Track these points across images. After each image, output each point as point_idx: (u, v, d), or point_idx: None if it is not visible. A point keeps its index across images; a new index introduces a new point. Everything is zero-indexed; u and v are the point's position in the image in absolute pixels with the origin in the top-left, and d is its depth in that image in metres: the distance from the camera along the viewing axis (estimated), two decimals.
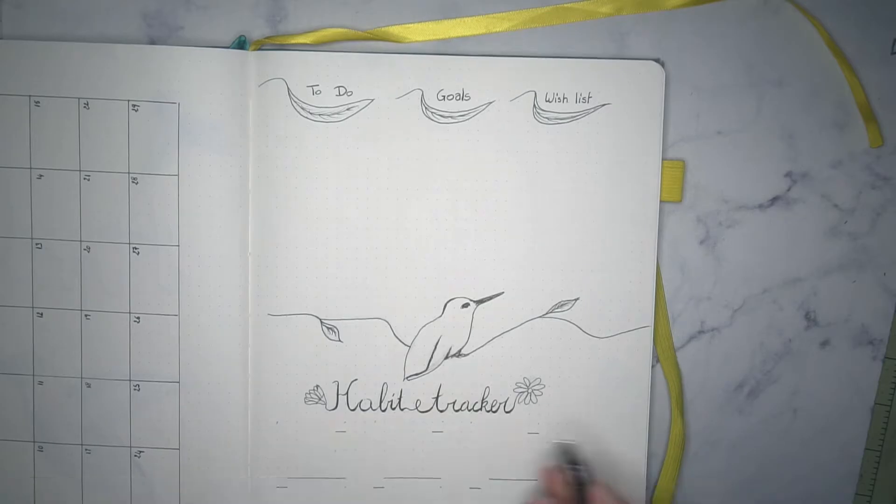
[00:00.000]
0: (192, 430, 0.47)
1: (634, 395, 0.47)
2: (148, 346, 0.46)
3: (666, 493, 0.49)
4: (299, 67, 0.45)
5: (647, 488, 0.48)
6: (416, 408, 0.47)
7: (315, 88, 0.45)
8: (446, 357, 0.47)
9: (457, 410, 0.47)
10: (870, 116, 0.46)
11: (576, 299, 0.46)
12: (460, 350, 0.47)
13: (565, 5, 0.46)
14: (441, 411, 0.47)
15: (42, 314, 0.46)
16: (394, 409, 0.47)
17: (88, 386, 0.47)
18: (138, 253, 0.46)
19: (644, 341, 0.47)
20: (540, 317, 0.47)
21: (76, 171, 0.45)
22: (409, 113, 0.45)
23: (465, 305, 0.46)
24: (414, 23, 0.46)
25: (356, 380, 0.47)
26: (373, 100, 0.45)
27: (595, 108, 0.45)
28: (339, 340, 0.46)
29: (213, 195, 0.45)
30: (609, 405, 0.47)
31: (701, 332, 0.48)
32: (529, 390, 0.47)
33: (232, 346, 0.46)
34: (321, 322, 0.46)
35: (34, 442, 0.47)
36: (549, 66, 0.45)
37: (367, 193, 0.46)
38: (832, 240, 0.48)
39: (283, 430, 0.47)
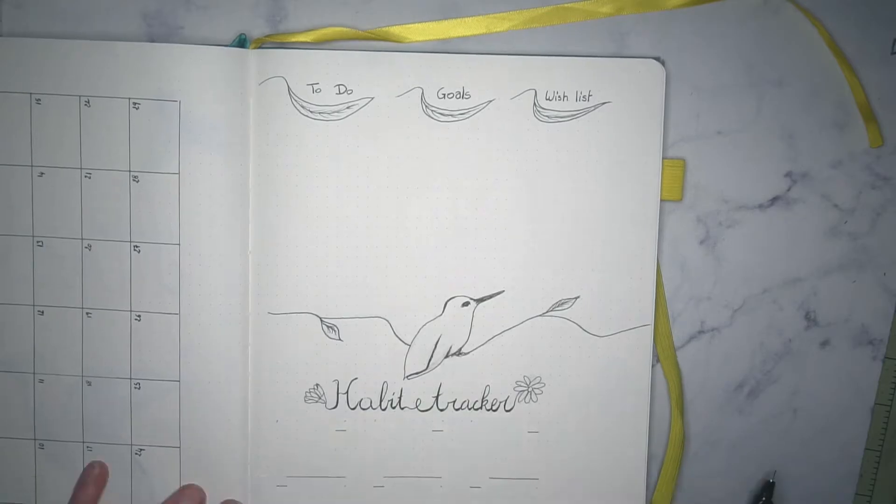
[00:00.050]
0: (193, 429, 0.47)
1: (634, 393, 0.47)
2: (149, 345, 0.46)
3: (666, 493, 0.49)
4: (299, 66, 0.45)
5: (646, 488, 0.48)
6: (417, 407, 0.47)
7: (315, 87, 0.45)
8: (446, 356, 0.47)
9: (457, 409, 0.47)
10: (870, 116, 0.46)
11: (576, 298, 0.46)
12: (460, 349, 0.47)
13: (565, 5, 0.46)
14: (441, 410, 0.47)
15: (43, 312, 0.46)
16: (394, 407, 0.47)
17: (89, 384, 0.47)
18: (139, 251, 0.46)
19: (644, 340, 0.47)
20: (540, 315, 0.47)
21: (77, 169, 0.45)
22: (410, 111, 0.45)
23: (466, 304, 0.46)
24: (414, 23, 0.46)
25: (356, 378, 0.47)
26: (373, 98, 0.45)
27: (595, 107, 0.45)
28: (340, 339, 0.46)
29: (213, 193, 0.45)
30: (609, 404, 0.47)
31: (701, 332, 0.48)
32: (530, 389, 0.47)
33: (232, 345, 0.46)
34: (321, 321, 0.46)
35: (35, 440, 0.47)
36: (549, 65, 0.45)
37: (368, 192, 0.46)
38: (832, 240, 0.48)
39: (283, 428, 0.47)
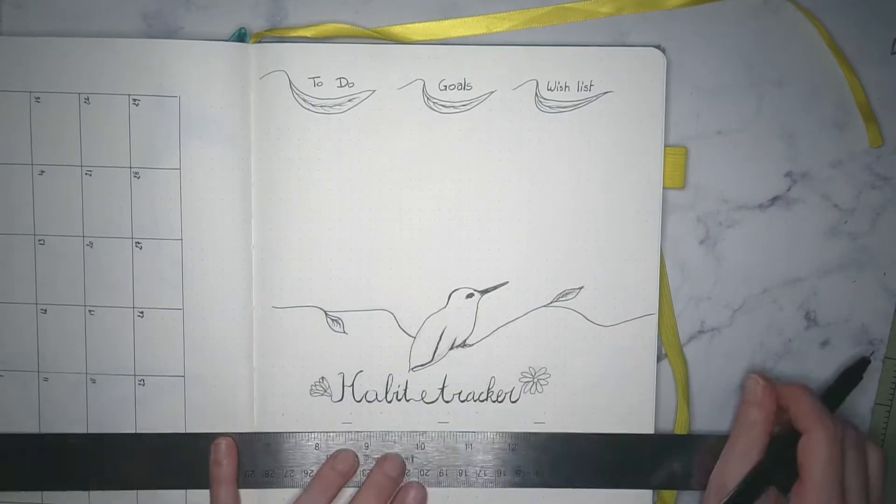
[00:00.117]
0: (198, 425, 0.46)
1: (640, 383, 0.47)
2: (152, 341, 0.46)
3: None
4: (300, 59, 0.45)
5: None
6: (422, 399, 0.47)
7: (316, 80, 0.45)
8: (451, 348, 0.47)
9: (463, 401, 0.47)
10: (870, 116, 0.46)
11: (580, 288, 0.46)
12: (465, 340, 0.47)
13: (566, 5, 0.46)
14: (447, 402, 0.47)
15: (45, 310, 0.46)
16: (399, 400, 0.47)
17: (93, 381, 0.47)
18: (141, 247, 0.46)
19: (649, 330, 0.47)
20: (544, 306, 0.46)
21: (78, 167, 0.45)
22: (411, 103, 0.45)
23: (470, 296, 0.46)
24: (414, 23, 0.46)
25: (361, 371, 0.47)
26: (374, 91, 0.45)
27: (597, 97, 0.45)
28: (344, 332, 0.46)
29: (215, 188, 0.45)
30: (615, 394, 0.47)
31: (701, 331, 0.48)
32: (535, 380, 0.47)
33: (236, 340, 0.46)
34: (326, 314, 0.46)
35: None
36: (550, 55, 0.45)
37: (370, 184, 0.46)
38: (832, 240, 0.48)
39: (289, 422, 0.47)
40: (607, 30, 0.46)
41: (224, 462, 0.45)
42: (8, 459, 0.46)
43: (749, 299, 0.48)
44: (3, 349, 0.46)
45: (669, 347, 0.47)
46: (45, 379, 0.47)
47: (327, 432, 0.47)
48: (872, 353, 0.48)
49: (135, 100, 0.45)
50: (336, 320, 0.46)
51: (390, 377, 0.47)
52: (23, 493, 0.47)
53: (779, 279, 0.48)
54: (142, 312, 0.46)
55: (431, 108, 0.45)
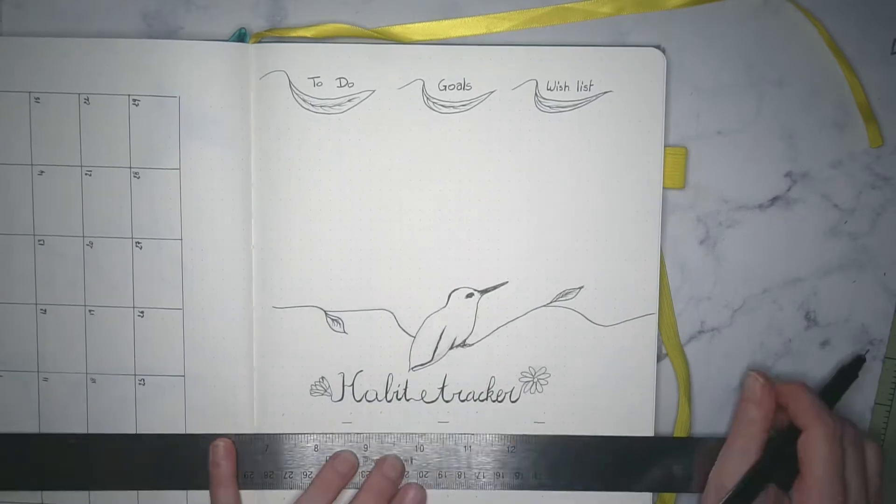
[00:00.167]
0: (198, 424, 0.46)
1: (640, 383, 0.47)
2: (152, 341, 0.46)
3: None
4: (300, 59, 0.45)
5: None
6: (422, 398, 0.47)
7: (316, 80, 0.45)
8: (451, 347, 0.47)
9: (463, 401, 0.47)
10: (870, 116, 0.46)
11: (580, 287, 0.46)
12: (465, 340, 0.47)
13: (565, 5, 0.46)
14: (447, 402, 0.47)
15: (45, 311, 0.46)
16: (399, 399, 0.47)
17: (93, 381, 0.47)
18: (141, 247, 0.46)
19: (649, 329, 0.47)
20: (544, 306, 0.47)
21: (77, 167, 0.45)
22: (411, 103, 0.45)
23: (470, 295, 0.46)
24: (414, 23, 0.46)
25: (361, 371, 0.47)
26: (374, 91, 0.45)
27: (597, 96, 0.45)
28: (344, 332, 0.46)
29: (215, 188, 0.45)
30: (615, 393, 0.47)
31: (701, 331, 0.48)
32: (535, 379, 0.47)
33: (236, 339, 0.46)
34: (326, 314, 0.46)
35: None
36: (549, 55, 0.45)
37: (370, 184, 0.46)
38: (832, 240, 0.48)
39: (289, 422, 0.47)
40: (607, 30, 0.46)
41: (223, 463, 0.45)
42: (8, 459, 0.46)
43: (749, 299, 0.48)
44: (3, 349, 0.47)
45: (670, 347, 0.47)
46: (45, 379, 0.47)
47: (326, 434, 0.47)
48: (868, 350, 0.48)
49: (135, 100, 0.45)
50: (336, 320, 0.46)
51: (390, 377, 0.47)
52: (23, 493, 0.47)
53: (779, 279, 0.48)
54: (142, 312, 0.46)
55: (431, 108, 0.45)
